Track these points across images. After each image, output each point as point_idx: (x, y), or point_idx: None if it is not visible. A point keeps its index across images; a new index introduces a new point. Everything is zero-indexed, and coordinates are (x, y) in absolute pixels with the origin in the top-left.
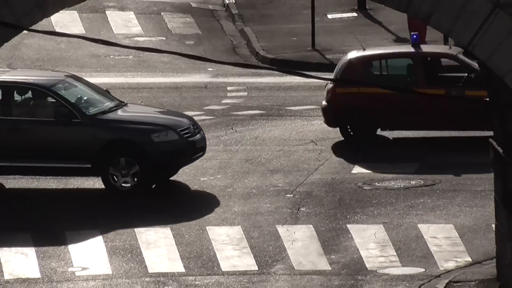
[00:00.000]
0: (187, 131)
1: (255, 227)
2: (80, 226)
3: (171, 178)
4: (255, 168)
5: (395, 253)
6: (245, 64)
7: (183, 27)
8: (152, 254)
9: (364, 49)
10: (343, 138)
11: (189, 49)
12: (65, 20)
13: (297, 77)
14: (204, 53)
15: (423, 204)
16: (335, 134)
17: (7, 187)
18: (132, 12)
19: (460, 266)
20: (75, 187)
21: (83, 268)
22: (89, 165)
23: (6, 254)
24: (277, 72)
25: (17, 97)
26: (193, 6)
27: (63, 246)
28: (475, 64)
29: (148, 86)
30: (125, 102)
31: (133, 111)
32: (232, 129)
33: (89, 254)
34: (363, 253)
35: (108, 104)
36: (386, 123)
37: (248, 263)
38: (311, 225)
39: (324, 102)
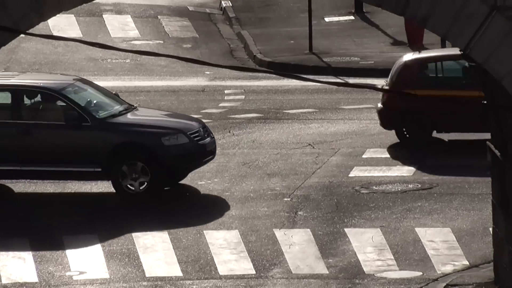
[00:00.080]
0: (197, 134)
1: (252, 231)
2: (77, 230)
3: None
4: (252, 172)
5: (392, 257)
6: (243, 68)
7: (180, 31)
8: (149, 258)
9: (419, 52)
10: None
11: (186, 52)
12: (62, 24)
13: (294, 80)
14: (201, 56)
15: (421, 207)
16: (332, 137)
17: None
18: (129, 16)
19: (458, 270)
20: (73, 191)
21: (81, 273)
22: (99, 169)
23: (3, 258)
24: (274, 76)
25: (26, 101)
26: (190, 9)
27: (60, 251)
28: None
29: (146, 90)
30: (135, 105)
31: (143, 115)
32: (229, 132)
33: (87, 259)
34: (360, 257)
35: (118, 107)
36: (442, 126)
37: (246, 267)
38: (308, 229)
39: (379, 105)
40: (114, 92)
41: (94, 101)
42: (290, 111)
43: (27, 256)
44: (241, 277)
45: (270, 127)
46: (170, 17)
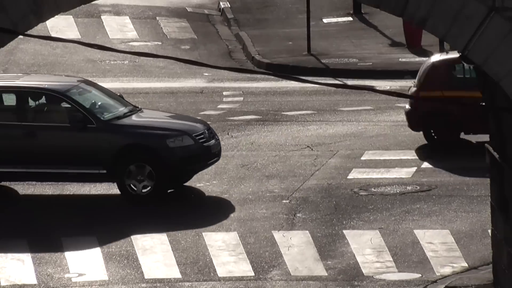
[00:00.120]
0: (202, 136)
1: (251, 233)
2: (76, 232)
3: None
4: (251, 174)
5: (391, 259)
6: (241, 69)
7: (178, 32)
8: (148, 260)
9: (447, 53)
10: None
11: (185, 53)
12: (61, 25)
13: (292, 82)
14: (200, 57)
15: (419, 209)
16: (331, 139)
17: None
18: (128, 17)
19: (457, 272)
20: (72, 193)
21: (80, 274)
22: (105, 171)
23: (2, 260)
24: (272, 77)
25: (31, 103)
26: (188, 10)
27: (59, 252)
28: None
29: (144, 91)
30: (140, 107)
31: (148, 116)
32: (228, 134)
33: (86, 260)
34: (359, 259)
35: (123, 109)
36: (470, 127)
37: (244, 269)
38: (307, 231)
39: (407, 106)
40: (118, 94)
41: (99, 103)
42: (289, 113)
43: (26, 258)
44: (240, 279)
45: (268, 129)
46: (169, 18)
